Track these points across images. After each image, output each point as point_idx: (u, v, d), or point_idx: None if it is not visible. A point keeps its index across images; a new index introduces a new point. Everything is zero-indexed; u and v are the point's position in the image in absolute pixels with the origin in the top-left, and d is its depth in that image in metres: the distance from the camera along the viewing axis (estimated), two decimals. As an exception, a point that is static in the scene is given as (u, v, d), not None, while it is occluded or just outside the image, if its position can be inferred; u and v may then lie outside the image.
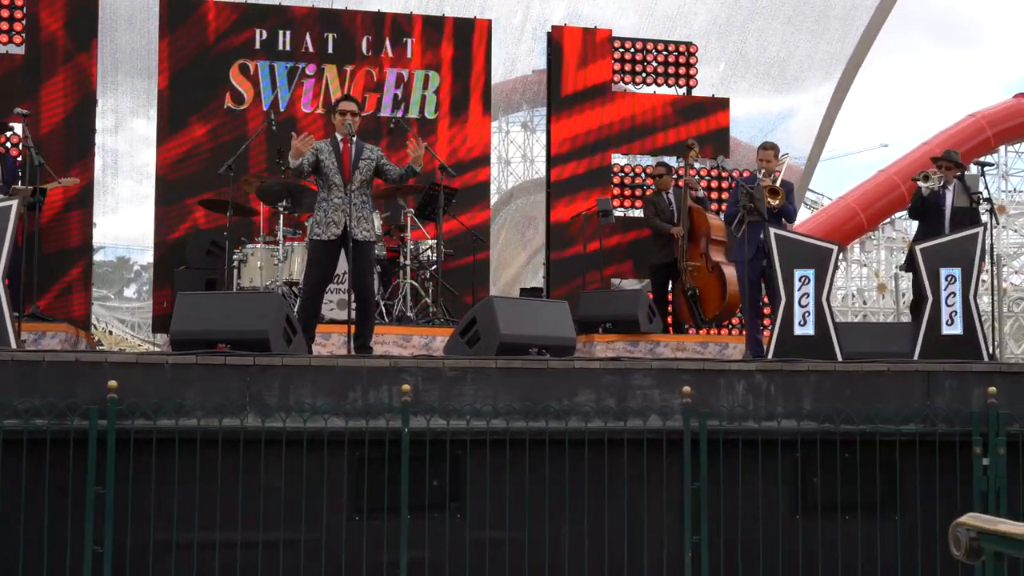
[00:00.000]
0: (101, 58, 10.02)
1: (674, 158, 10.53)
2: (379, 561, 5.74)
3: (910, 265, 8.58)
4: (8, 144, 8.52)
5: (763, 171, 8.32)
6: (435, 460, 5.83)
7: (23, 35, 9.35)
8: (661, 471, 6.05)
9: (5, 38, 9.34)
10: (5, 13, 9.31)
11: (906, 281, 13.09)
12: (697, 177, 10.23)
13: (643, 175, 10.69)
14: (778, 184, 8.18)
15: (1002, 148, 22.76)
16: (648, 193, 10.43)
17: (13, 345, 6.06)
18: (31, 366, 5.61)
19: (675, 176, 9.86)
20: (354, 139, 7.03)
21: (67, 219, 9.26)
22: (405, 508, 5.66)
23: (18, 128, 8.62)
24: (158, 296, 9.80)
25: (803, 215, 22.07)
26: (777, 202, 8.10)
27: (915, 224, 9.18)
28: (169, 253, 9.76)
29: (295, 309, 7.22)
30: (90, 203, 9.54)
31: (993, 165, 21.88)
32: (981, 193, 8.50)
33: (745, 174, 10.82)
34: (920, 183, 8.34)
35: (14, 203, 6.31)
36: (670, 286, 9.86)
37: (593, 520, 6.00)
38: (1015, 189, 24.65)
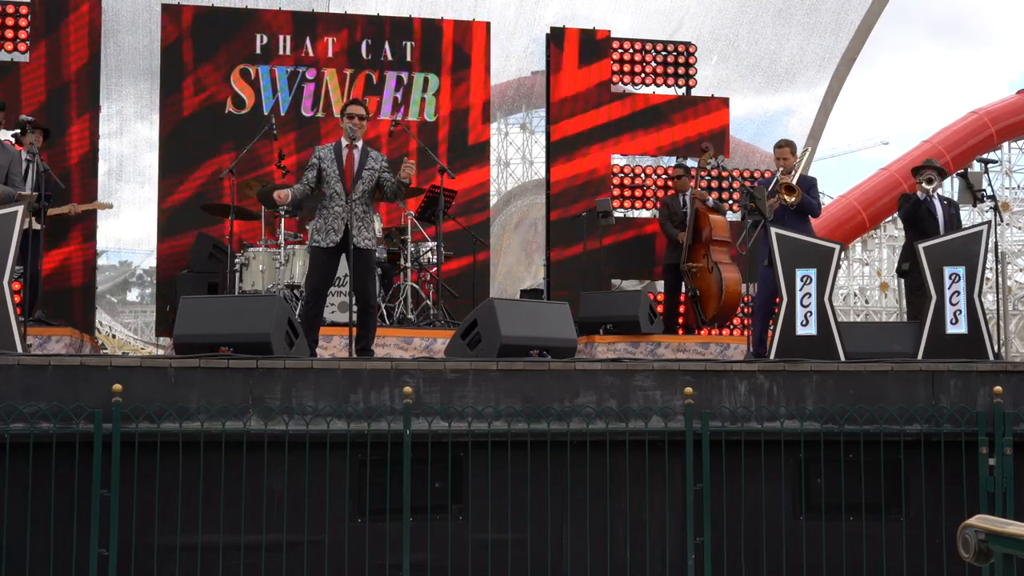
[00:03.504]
0: (104, 60, 10.03)
1: (687, 159, 10.52)
2: (382, 563, 5.74)
3: (902, 271, 8.58)
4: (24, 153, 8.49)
5: (781, 169, 8.27)
6: (437, 462, 5.84)
7: (27, 42, 9.37)
8: (663, 472, 6.04)
9: (10, 45, 9.35)
10: (11, 21, 9.34)
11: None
12: (708, 188, 10.21)
13: (643, 176, 10.68)
14: (794, 181, 8.13)
15: (1005, 145, 22.71)
16: (660, 195, 10.41)
17: (19, 349, 6.08)
18: (37, 370, 5.62)
19: (693, 178, 9.82)
20: (359, 145, 7.02)
21: (71, 223, 9.27)
22: (407, 510, 5.66)
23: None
24: (161, 304, 9.81)
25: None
26: (794, 199, 8.02)
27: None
28: (172, 257, 9.78)
29: (297, 312, 7.22)
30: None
31: (996, 162, 21.84)
32: (985, 190, 8.49)
33: (746, 174, 10.83)
34: (924, 185, 8.32)
35: (19, 209, 6.31)
36: (683, 287, 9.84)
37: (595, 522, 5.99)
38: (1019, 186, 24.59)
